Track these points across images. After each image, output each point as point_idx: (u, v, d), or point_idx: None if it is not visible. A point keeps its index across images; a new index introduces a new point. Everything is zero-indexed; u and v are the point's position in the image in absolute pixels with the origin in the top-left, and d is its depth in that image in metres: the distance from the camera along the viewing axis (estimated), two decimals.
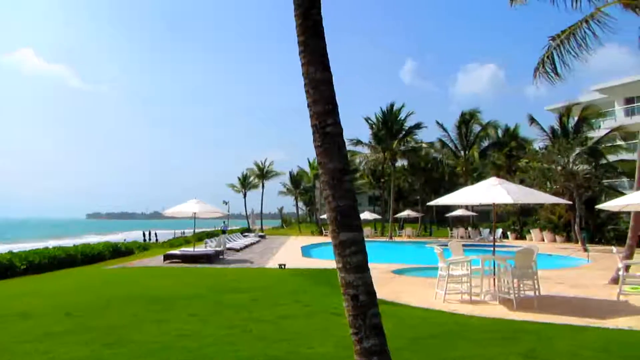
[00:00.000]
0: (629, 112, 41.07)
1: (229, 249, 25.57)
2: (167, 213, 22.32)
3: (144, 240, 47.87)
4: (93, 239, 46.09)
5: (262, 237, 43.72)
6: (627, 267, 11.34)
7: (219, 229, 39.81)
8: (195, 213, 21.01)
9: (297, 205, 71.96)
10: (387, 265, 17.57)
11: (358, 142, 46.04)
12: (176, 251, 21.67)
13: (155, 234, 55.02)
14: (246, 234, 44.29)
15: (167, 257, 20.12)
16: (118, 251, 24.76)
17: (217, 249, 22.40)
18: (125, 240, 35.79)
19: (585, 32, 15.30)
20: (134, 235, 55.28)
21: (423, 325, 7.88)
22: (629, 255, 13.68)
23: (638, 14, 14.42)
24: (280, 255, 24.06)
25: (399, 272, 16.04)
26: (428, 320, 8.37)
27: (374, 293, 3.95)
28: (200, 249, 22.25)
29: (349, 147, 47.81)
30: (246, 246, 29.70)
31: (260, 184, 67.49)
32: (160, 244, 36.33)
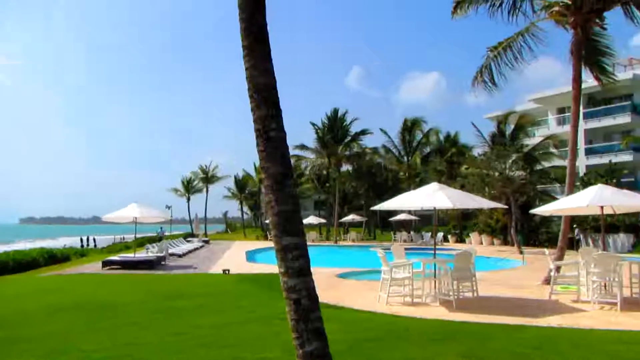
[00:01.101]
0: (561, 121, 43.27)
1: (172, 254, 25.03)
2: (106, 218, 21.62)
3: (82, 246, 46.10)
4: (26, 245, 43.94)
5: (206, 242, 43.01)
6: (557, 268, 11.94)
7: (156, 234, 38.74)
8: (136, 218, 20.46)
9: (242, 209, 71.34)
10: (332, 269, 17.70)
11: (303, 147, 46.21)
12: (116, 257, 21.01)
13: (94, 239, 53.10)
14: (189, 239, 43.41)
15: (106, 264, 19.47)
16: (53, 258, 23.74)
17: (159, 254, 21.89)
18: (65, 246, 34.37)
19: (520, 44, 16.06)
20: (71, 241, 53.13)
21: (365, 328, 8.00)
22: (560, 257, 14.40)
23: (567, 30, 15.25)
24: (224, 260, 23.78)
25: (343, 275, 16.19)
26: (370, 322, 8.50)
27: (316, 297, 3.99)
28: (141, 254, 21.68)
29: (294, 151, 47.87)
30: (189, 251, 29.15)
31: (205, 188, 66.52)
32: (99, 250, 35.12)
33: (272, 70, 4.11)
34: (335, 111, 45.08)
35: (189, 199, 66.36)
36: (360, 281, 14.94)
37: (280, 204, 3.92)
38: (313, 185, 57.35)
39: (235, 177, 69.24)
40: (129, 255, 21.05)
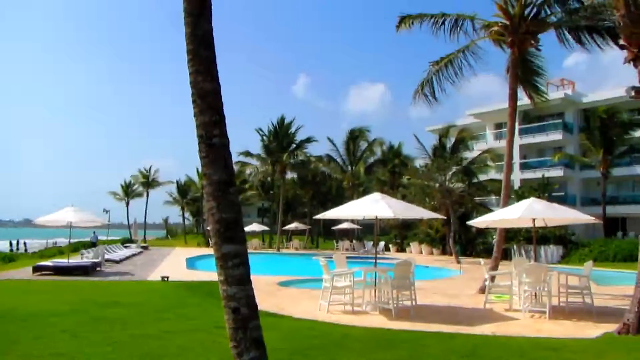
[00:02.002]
0: (498, 136, 45.06)
1: (108, 260, 24.17)
2: (39, 221, 20.62)
3: (11, 250, 43.74)
4: None
5: (144, 248, 41.81)
6: (492, 278, 12.39)
7: (89, 239, 37.20)
8: (71, 222, 19.64)
9: (183, 215, 69.87)
10: (274, 277, 17.63)
11: (248, 154, 45.93)
12: (48, 262, 20.07)
13: (25, 243, 50.49)
14: (127, 244, 42.11)
15: (37, 269, 18.55)
16: None
17: (95, 260, 21.08)
18: None
19: (461, 61, 16.68)
20: (0, 244, 50.30)
21: (305, 336, 8.00)
22: (495, 267, 14.95)
23: (505, 50, 15.96)
24: (163, 267, 23.19)
25: (285, 284, 16.15)
26: (310, 331, 8.51)
27: (256, 306, 3.97)
28: (75, 260, 20.81)
29: (238, 158, 47.48)
30: (127, 257, 28.23)
31: (145, 193, 64.79)
32: (30, 255, 33.41)
33: (217, 75, 4.08)
34: (282, 119, 45.13)
35: (128, 204, 64.43)
36: (302, 289, 14.94)
37: (221, 212, 3.89)
38: (257, 193, 57.00)
39: (177, 182, 67.83)
40: (62, 261, 20.16)
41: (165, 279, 16.63)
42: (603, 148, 35.14)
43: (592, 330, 8.89)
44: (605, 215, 35.03)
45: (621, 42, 9.26)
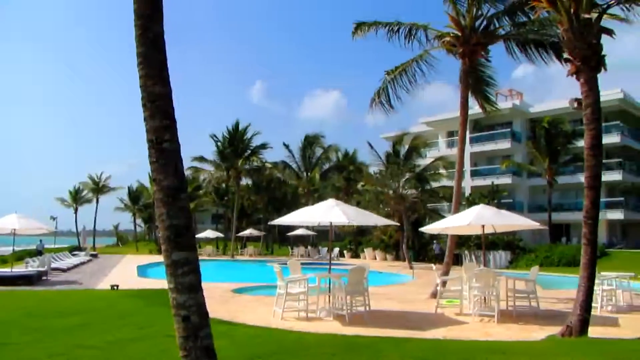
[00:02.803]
0: (450, 144, 46.13)
1: (55, 269, 23.30)
2: None
3: None
4: None
5: (94, 256, 40.49)
6: (443, 283, 12.64)
7: (34, 248, 35.67)
8: (14, 229, 18.82)
9: (135, 222, 68.20)
10: (228, 284, 17.42)
11: (202, 159, 45.34)
12: None
13: None
14: (76, 252, 40.69)
15: None
16: None
17: (40, 269, 20.27)
18: None
19: (415, 69, 17.01)
20: None
21: (259, 343, 7.93)
22: (446, 272, 15.25)
23: (457, 59, 16.38)
24: (113, 275, 22.54)
25: (239, 290, 15.98)
26: (264, 338, 8.44)
27: (206, 314, 3.91)
28: (19, 269, 19.96)
29: (192, 163, 46.80)
30: (75, 266, 27.30)
31: (95, 199, 62.88)
32: None
33: (168, 79, 4.00)
34: (237, 124, 44.80)
35: (76, 210, 62.32)
36: (256, 296, 14.82)
37: (171, 218, 3.81)
38: (211, 199, 56.24)
39: (128, 188, 66.16)
40: (4, 270, 19.28)
41: (115, 287, 16.17)
42: (549, 157, 36.52)
43: (537, 332, 9.19)
44: (550, 222, 36.33)
45: (565, 55, 9.64)
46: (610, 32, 9.50)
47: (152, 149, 3.89)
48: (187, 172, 52.04)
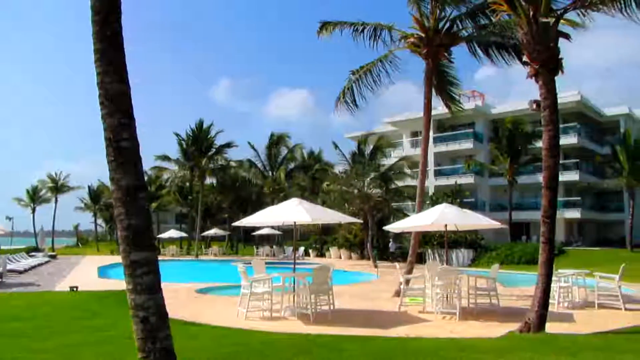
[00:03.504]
0: (414, 144, 46.70)
1: (11, 271, 22.52)
2: None
3: None
4: None
5: (52, 257, 39.31)
6: (407, 281, 12.77)
7: None
8: None
9: (95, 222, 66.59)
10: (192, 284, 17.19)
11: (165, 158, 44.61)
12: None
13: None
14: (33, 253, 39.42)
15: None
16: None
17: None
18: None
19: (380, 69, 17.13)
20: None
21: (222, 344, 7.85)
22: (410, 271, 15.42)
23: (422, 59, 16.57)
24: (73, 276, 21.96)
25: (202, 291, 15.79)
26: (227, 338, 8.37)
27: (166, 315, 3.85)
28: None
29: (155, 162, 46.05)
30: (32, 267, 26.44)
31: (54, 199, 61.14)
32: None
33: (126, 76, 3.91)
34: (201, 122, 44.25)
35: (34, 210, 60.45)
36: (220, 296, 14.69)
37: (130, 218, 3.73)
38: (175, 198, 55.42)
39: (89, 187, 64.56)
40: None
41: (74, 289, 15.75)
42: (509, 157, 37.41)
43: (497, 329, 9.39)
44: (511, 221, 37.24)
45: (524, 58, 9.87)
46: (567, 36, 9.78)
47: (110, 147, 3.80)
48: (150, 172, 51.17)
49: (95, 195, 63.68)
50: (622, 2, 9.35)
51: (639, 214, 39.61)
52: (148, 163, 48.15)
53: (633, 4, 9.28)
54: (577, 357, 6.83)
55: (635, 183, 35.95)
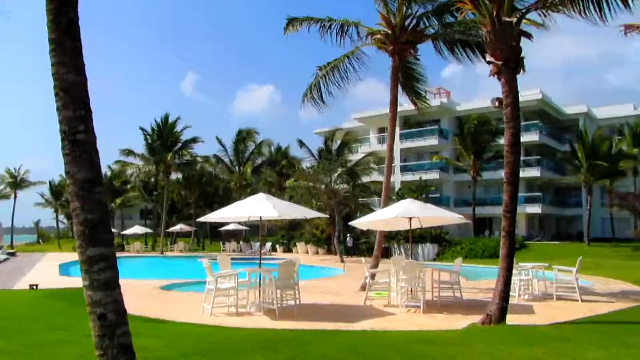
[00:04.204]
0: (381, 140, 47.09)
1: None
2: None
3: None
4: None
5: (11, 254, 38.20)
6: (372, 276, 12.89)
7: None
8: None
9: (57, 218, 64.95)
10: (156, 281, 16.95)
11: (130, 153, 43.77)
12: None
13: None
14: None
15: None
16: None
17: None
18: None
19: (346, 66, 17.19)
20: None
21: (187, 341, 7.77)
22: (375, 265, 15.57)
23: (389, 56, 16.70)
24: (33, 274, 21.36)
25: (167, 287, 15.59)
26: (192, 335, 8.29)
27: (124, 311, 3.78)
28: None
29: (119, 157, 45.18)
30: None
31: (13, 194, 59.34)
32: None
33: (83, 67, 3.82)
34: (166, 117, 43.55)
35: None
36: (185, 293, 14.54)
37: (86, 212, 3.65)
38: (139, 194, 54.52)
39: (50, 183, 62.92)
40: None
41: (34, 287, 15.32)
42: (474, 153, 38.12)
43: (460, 321, 9.57)
44: (475, 216, 37.99)
45: (488, 56, 10.07)
46: (528, 35, 10.01)
47: (65, 140, 3.70)
48: (114, 166, 50.15)
49: (56, 190, 62.13)
50: (580, 4, 9.63)
51: (596, 209, 41.01)
52: (112, 157, 47.21)
53: (591, 6, 9.56)
54: (535, 347, 7.04)
55: (593, 179, 37.15)
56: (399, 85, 17.19)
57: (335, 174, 33.07)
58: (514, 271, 11.04)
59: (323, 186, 32.34)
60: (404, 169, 46.11)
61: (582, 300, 12.42)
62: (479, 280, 17.58)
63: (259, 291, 11.46)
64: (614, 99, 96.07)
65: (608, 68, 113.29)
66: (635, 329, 9.10)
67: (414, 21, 16.31)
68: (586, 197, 39.20)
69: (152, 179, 49.76)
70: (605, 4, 9.42)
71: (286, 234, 42.68)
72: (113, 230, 46.48)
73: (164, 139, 42.76)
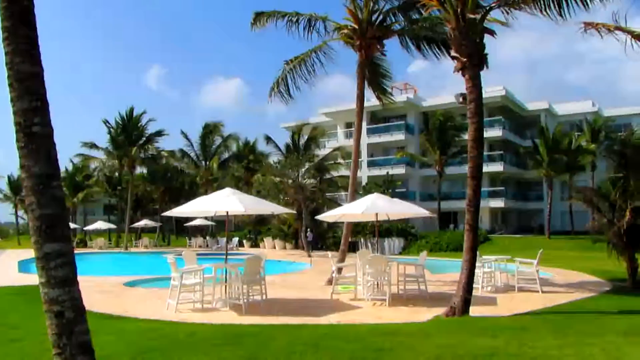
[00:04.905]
0: (348, 135, 47.28)
1: None
2: None
3: None
4: None
5: None
6: (339, 270, 12.97)
7: None
8: None
9: (16, 214, 63.01)
10: (120, 277, 16.63)
11: (93, 146, 42.76)
12: None
13: None
14: None
15: None
16: None
17: None
18: None
19: (314, 60, 17.18)
20: None
21: (150, 337, 7.66)
22: (342, 259, 15.66)
23: (355, 51, 16.75)
24: None
25: (131, 284, 15.32)
26: (156, 332, 8.17)
27: (83, 309, 3.69)
28: None
29: (82, 150, 44.13)
30: None
31: None
32: None
33: (39, 57, 3.69)
34: (131, 110, 42.69)
35: None
36: (150, 289, 14.32)
37: (42, 207, 3.54)
38: (103, 188, 53.36)
39: (8, 177, 61.00)
40: None
41: None
42: (439, 149, 38.69)
43: (425, 314, 9.71)
44: (440, 210, 38.62)
45: (453, 53, 10.20)
46: (492, 32, 10.18)
47: (20, 132, 3.57)
48: (75, 160, 48.91)
49: (15, 185, 60.21)
50: (542, 2, 9.85)
51: (557, 203, 42.18)
52: (74, 150, 46.04)
53: (552, 4, 9.79)
54: (496, 338, 7.20)
55: (553, 174, 38.22)
56: (365, 80, 17.27)
57: (303, 169, 33.07)
58: (477, 264, 11.27)
59: (290, 181, 32.30)
60: (371, 164, 46.43)
61: (543, 292, 12.77)
62: (443, 274, 17.87)
63: (225, 287, 11.38)
64: (574, 95, 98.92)
65: (569, 65, 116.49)
66: (592, 318, 9.40)
67: (381, 17, 16.40)
68: (547, 191, 40.33)
69: (116, 174, 48.77)
70: (565, 3, 9.67)
71: (253, 229, 42.49)
72: (75, 226, 45.48)
73: (128, 132, 41.91)
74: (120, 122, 42.40)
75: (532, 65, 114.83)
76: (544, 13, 9.90)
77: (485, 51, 9.97)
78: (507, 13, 10.63)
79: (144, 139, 42.70)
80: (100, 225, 44.60)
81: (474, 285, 10.09)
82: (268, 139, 38.39)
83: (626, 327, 8.30)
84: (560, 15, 9.77)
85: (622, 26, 9.80)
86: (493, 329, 7.97)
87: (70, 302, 3.57)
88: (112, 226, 47.64)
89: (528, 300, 11.68)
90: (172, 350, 6.72)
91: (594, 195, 14.94)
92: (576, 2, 9.60)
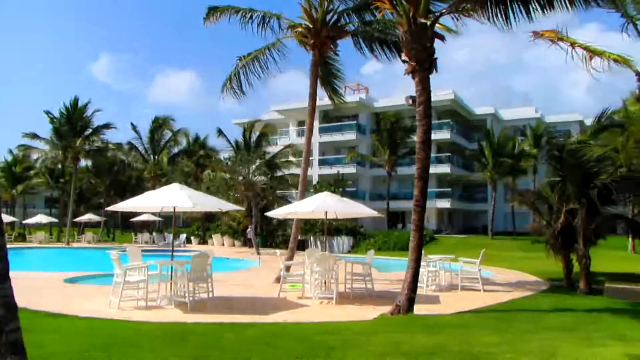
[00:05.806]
0: (300, 133, 47.34)
1: None
2: None
3: None
4: None
5: None
6: (287, 268, 12.97)
7: None
8: None
9: None
10: (61, 273, 16.05)
11: (34, 137, 40.99)
12: None
13: None
14: None
15: None
16: None
17: None
18: None
19: (267, 57, 17.11)
20: None
21: (91, 336, 7.45)
22: (290, 257, 15.67)
23: (308, 51, 16.79)
24: None
25: (72, 280, 14.82)
26: (96, 330, 7.96)
27: (15, 306, 3.54)
28: None
29: (23, 140, 42.29)
30: None
31: None
32: None
33: None
34: (75, 100, 41.10)
35: None
36: (92, 285, 13.90)
37: None
38: (45, 180, 51.33)
39: None
40: None
41: None
42: (389, 149, 39.31)
43: (371, 312, 9.86)
44: (388, 210, 39.26)
45: (403, 55, 10.40)
46: (442, 37, 10.44)
47: None
48: (16, 151, 46.82)
49: None
50: (490, 12, 10.20)
51: (500, 204, 43.66)
52: (15, 141, 44.05)
53: (499, 14, 10.15)
54: (438, 334, 7.41)
55: (497, 176, 39.58)
56: (319, 80, 17.36)
57: (254, 166, 32.85)
58: (423, 263, 11.56)
59: (241, 178, 32.03)
60: (322, 163, 46.65)
61: (484, 290, 13.22)
62: (390, 272, 18.17)
63: (171, 284, 11.20)
64: (519, 101, 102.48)
65: (515, 72, 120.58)
66: (530, 315, 9.81)
67: (335, 17, 16.50)
68: (491, 193, 41.66)
69: (59, 166, 46.98)
70: (511, 13, 10.05)
71: (201, 225, 41.90)
72: (13, 219, 43.53)
73: (72, 123, 40.37)
74: (64, 113, 40.80)
75: (481, 70, 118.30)
76: (492, 21, 10.24)
77: (435, 55, 10.22)
78: (457, 20, 10.95)
79: (90, 130, 41.23)
80: (41, 218, 42.92)
81: (419, 284, 10.34)
82: (220, 132, 37.92)
83: (561, 323, 8.72)
84: (506, 23, 10.14)
85: (565, 36, 10.29)
86: (436, 326, 8.20)
87: (2, 299, 3.42)
88: (54, 220, 45.92)
89: (470, 298, 12.05)
90: (116, 349, 6.56)
91: (535, 197, 15.56)
92: (521, 13, 9.99)
